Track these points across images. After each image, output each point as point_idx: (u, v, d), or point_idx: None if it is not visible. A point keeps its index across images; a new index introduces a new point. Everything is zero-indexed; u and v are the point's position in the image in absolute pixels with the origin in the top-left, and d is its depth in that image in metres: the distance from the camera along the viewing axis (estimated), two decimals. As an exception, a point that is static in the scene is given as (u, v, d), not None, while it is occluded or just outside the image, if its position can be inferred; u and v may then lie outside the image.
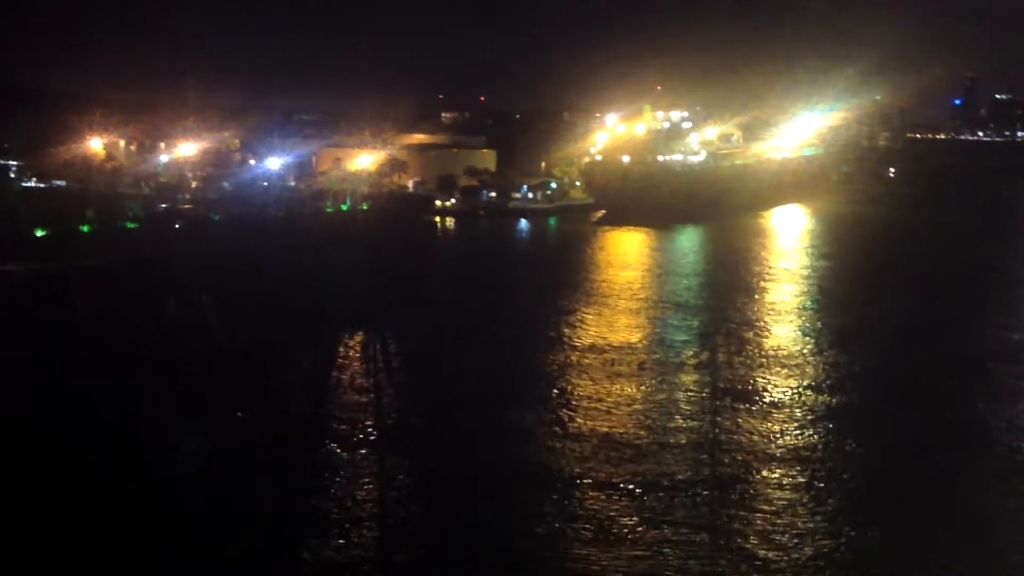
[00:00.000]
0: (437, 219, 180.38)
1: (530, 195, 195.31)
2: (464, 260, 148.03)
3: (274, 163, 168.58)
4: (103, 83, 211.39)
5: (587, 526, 49.42)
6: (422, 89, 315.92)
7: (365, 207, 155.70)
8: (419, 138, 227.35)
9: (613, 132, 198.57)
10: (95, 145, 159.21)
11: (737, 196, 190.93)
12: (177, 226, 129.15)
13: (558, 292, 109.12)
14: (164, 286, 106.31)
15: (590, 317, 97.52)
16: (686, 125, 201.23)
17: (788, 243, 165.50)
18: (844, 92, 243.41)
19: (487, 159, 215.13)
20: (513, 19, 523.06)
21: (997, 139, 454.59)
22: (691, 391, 72.66)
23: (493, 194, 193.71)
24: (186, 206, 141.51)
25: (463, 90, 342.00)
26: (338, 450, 59.92)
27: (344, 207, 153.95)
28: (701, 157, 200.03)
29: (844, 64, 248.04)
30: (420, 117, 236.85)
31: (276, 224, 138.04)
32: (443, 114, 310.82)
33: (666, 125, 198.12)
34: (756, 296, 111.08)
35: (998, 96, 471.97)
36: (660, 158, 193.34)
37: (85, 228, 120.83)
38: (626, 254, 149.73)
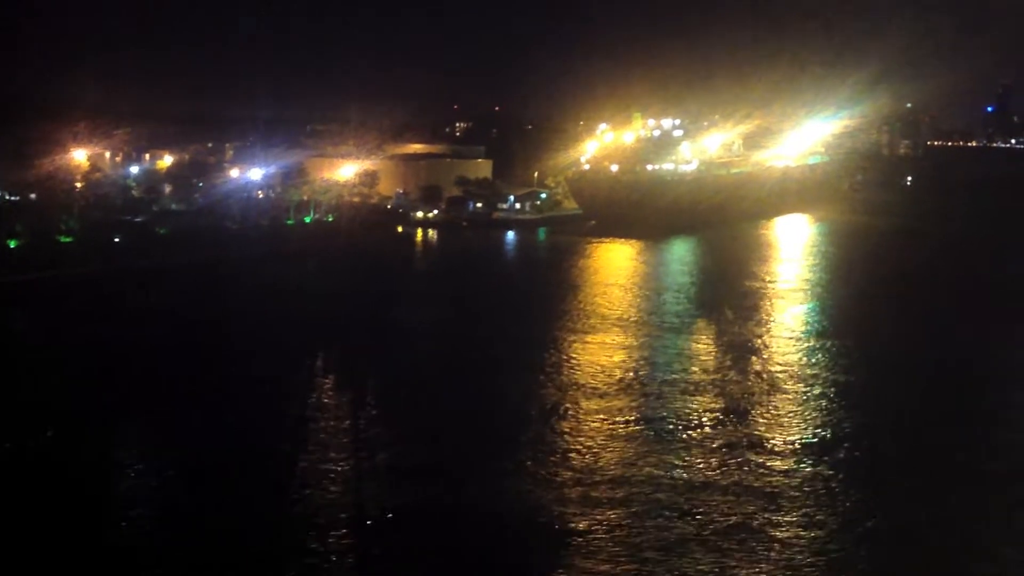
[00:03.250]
0: (419, 231, 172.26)
1: (517, 205, 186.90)
2: (424, 275, 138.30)
3: (256, 173, 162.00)
4: (91, 94, 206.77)
5: None
6: (433, 100, 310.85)
7: (330, 219, 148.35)
8: (415, 148, 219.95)
9: (602, 140, 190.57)
10: (79, 156, 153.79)
11: (737, 205, 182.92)
12: (116, 240, 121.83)
13: (513, 313, 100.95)
14: (62, 308, 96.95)
15: (552, 342, 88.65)
16: (677, 133, 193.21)
17: (781, 254, 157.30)
18: (851, 99, 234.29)
19: (482, 169, 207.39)
20: (522, 26, 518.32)
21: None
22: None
23: (479, 204, 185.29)
24: (133, 218, 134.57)
25: (476, 100, 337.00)
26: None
27: (307, 219, 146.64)
28: (693, 166, 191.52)
29: (854, 71, 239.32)
30: (407, 127, 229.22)
31: (227, 237, 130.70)
32: (458, 124, 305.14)
33: (656, 133, 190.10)
34: (732, 315, 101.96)
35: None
36: (649, 167, 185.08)
37: (12, 243, 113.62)
38: (608, 269, 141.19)
